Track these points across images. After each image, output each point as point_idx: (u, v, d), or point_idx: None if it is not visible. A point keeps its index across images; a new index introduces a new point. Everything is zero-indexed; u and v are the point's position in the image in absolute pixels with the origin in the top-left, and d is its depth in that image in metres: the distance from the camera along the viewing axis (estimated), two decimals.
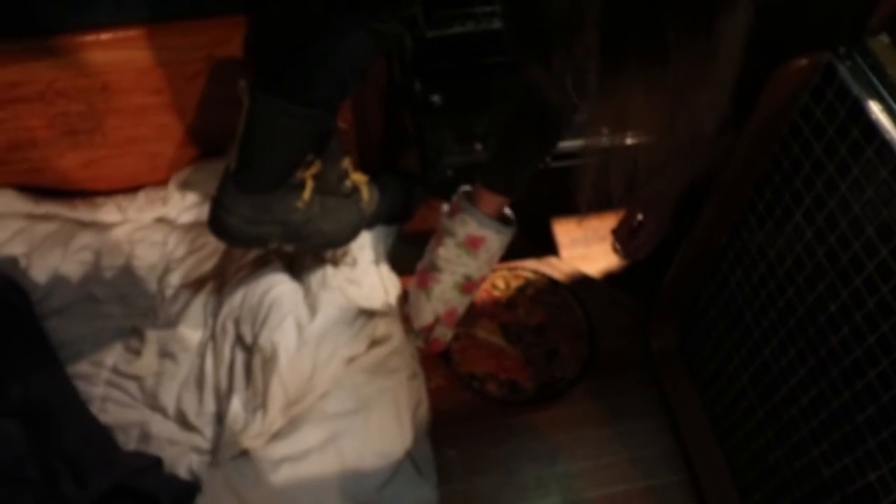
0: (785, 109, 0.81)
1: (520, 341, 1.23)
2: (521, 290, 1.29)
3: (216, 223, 1.05)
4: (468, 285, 1.13)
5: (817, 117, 0.78)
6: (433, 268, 1.13)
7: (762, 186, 0.90)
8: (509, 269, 1.28)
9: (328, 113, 1.02)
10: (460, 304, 1.15)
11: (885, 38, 0.74)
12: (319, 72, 0.98)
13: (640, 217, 1.14)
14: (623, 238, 1.15)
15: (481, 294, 1.27)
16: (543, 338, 1.24)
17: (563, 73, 0.71)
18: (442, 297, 1.13)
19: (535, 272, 1.31)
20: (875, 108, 0.71)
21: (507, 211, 1.13)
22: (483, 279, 1.15)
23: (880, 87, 0.72)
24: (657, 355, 1.21)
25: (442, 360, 1.22)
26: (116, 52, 1.11)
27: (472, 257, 1.10)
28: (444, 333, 1.17)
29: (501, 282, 1.30)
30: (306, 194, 1.08)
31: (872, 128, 0.70)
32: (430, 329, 1.15)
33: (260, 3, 1.04)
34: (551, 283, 1.30)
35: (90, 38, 1.09)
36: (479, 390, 1.18)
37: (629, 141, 0.84)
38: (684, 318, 1.17)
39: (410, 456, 1.07)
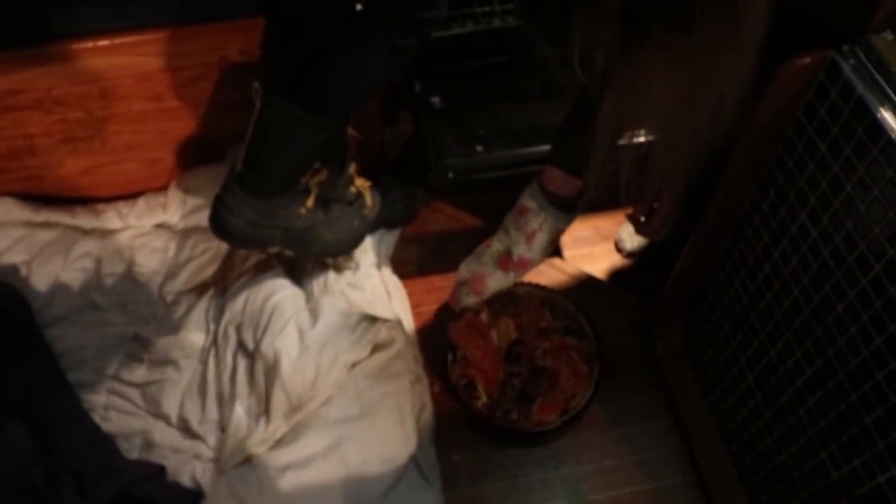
0: (789, 108, 0.80)
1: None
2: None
3: (218, 222, 1.05)
4: (505, 259, 1.12)
5: (821, 116, 0.77)
6: (495, 233, 1.14)
7: (766, 186, 0.89)
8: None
9: (340, 122, 1.02)
10: (491, 275, 1.13)
11: (889, 36, 0.73)
12: (336, 83, 0.98)
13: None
14: (641, 220, 1.10)
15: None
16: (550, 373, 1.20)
17: (573, 51, 0.69)
18: (479, 261, 1.14)
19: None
20: (880, 107, 0.70)
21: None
22: (524, 264, 1.12)
23: (885, 86, 0.71)
24: (662, 356, 1.21)
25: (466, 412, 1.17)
26: (114, 58, 1.10)
27: (520, 232, 1.09)
28: (466, 296, 1.16)
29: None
30: (310, 201, 1.08)
31: (878, 126, 0.70)
32: (458, 286, 1.16)
33: (281, 10, 1.03)
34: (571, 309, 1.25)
35: (87, 44, 1.09)
36: (504, 423, 1.15)
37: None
38: (689, 319, 1.16)
39: (415, 461, 1.06)
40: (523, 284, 1.23)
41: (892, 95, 0.70)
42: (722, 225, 0.98)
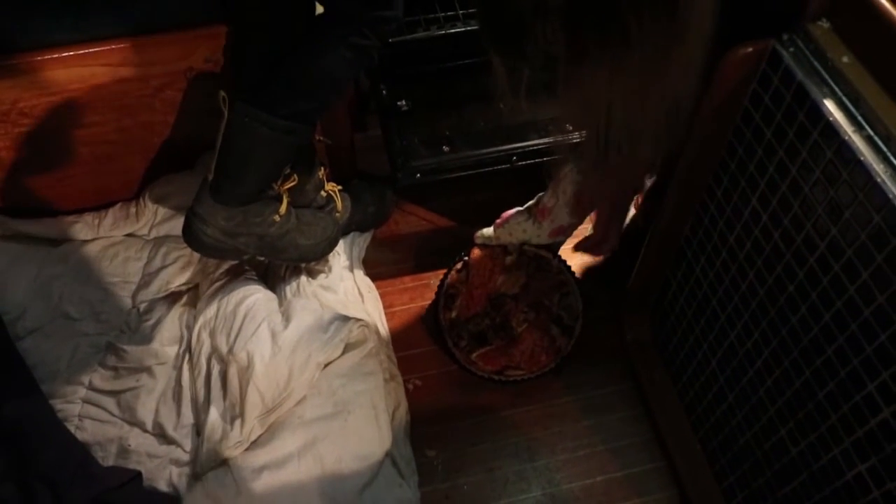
0: (735, 97, 0.83)
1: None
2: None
3: (192, 234, 1.06)
4: (534, 208, 1.19)
5: (766, 103, 0.80)
6: None
7: (719, 174, 0.92)
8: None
9: (308, 126, 1.03)
10: (517, 214, 1.21)
11: (825, 24, 0.76)
12: (301, 85, 0.99)
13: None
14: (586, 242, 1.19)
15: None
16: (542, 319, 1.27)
17: (524, 67, 0.72)
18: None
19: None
20: (818, 92, 0.73)
21: None
22: (545, 212, 1.17)
23: (822, 71, 0.74)
24: (631, 346, 1.23)
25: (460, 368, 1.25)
26: (79, 69, 1.11)
27: (550, 184, 1.15)
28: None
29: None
30: (283, 208, 1.09)
31: (817, 111, 0.72)
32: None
33: (242, 16, 1.05)
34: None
35: (53, 56, 1.10)
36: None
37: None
38: (655, 309, 1.19)
39: (391, 457, 1.07)
40: (562, 263, 1.27)
41: (830, 80, 0.73)
42: (680, 214, 1.01)
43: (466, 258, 1.27)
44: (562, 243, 1.27)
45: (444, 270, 1.28)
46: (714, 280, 0.98)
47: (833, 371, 0.76)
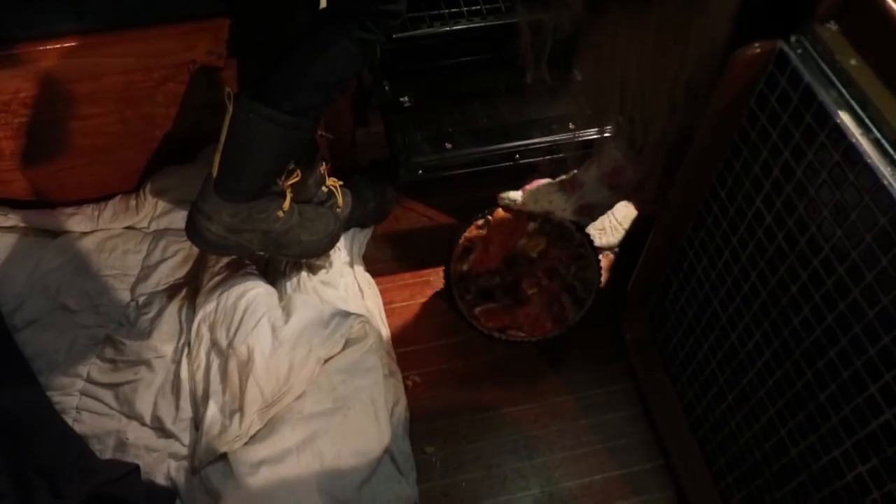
0: (741, 97, 0.83)
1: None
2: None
3: (196, 231, 1.05)
4: (565, 180, 1.17)
5: (772, 104, 0.80)
6: None
7: (723, 174, 0.92)
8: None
9: (312, 121, 1.03)
10: (547, 184, 1.19)
11: (833, 26, 0.76)
12: (304, 80, 0.99)
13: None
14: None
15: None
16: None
17: (547, 22, 0.72)
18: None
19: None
20: (826, 94, 0.73)
21: None
22: (575, 186, 1.14)
23: (830, 73, 0.74)
24: (631, 346, 1.23)
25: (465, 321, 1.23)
26: (82, 60, 1.11)
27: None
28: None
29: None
30: (286, 203, 1.09)
31: (824, 113, 0.72)
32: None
33: (245, 11, 1.04)
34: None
35: (54, 46, 1.09)
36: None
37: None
38: (655, 309, 1.19)
39: (389, 453, 1.07)
40: (585, 237, 1.24)
41: (837, 82, 0.73)
42: (683, 214, 1.01)
43: (489, 215, 1.25)
44: (586, 225, 1.24)
45: (443, 266, 1.28)
46: (716, 280, 0.98)
47: (835, 373, 0.76)
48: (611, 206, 1.20)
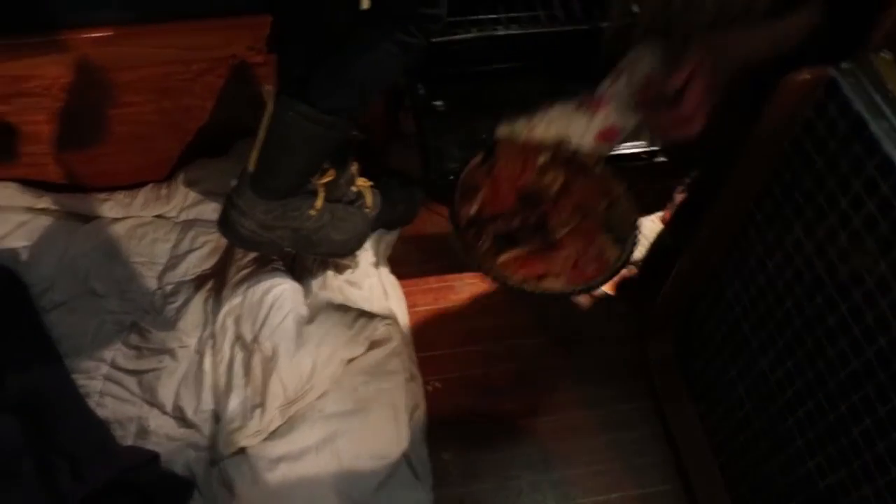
0: (787, 123, 0.82)
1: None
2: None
3: (229, 225, 1.06)
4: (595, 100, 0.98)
5: (819, 132, 0.79)
6: None
7: (762, 199, 0.91)
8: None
9: (350, 121, 1.03)
10: (559, 104, 1.00)
11: (887, 55, 0.75)
12: (345, 81, 0.99)
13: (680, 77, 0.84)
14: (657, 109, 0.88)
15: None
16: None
17: None
18: None
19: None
20: (876, 125, 0.72)
21: None
22: (601, 102, 0.94)
23: (882, 104, 0.73)
24: (653, 364, 1.22)
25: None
26: (123, 49, 1.12)
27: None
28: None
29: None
30: (319, 202, 1.09)
31: (874, 143, 0.71)
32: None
33: (288, 9, 1.05)
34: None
35: (98, 34, 1.10)
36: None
37: None
38: (681, 328, 1.18)
39: (407, 458, 1.07)
40: (608, 168, 1.05)
41: (889, 113, 0.72)
42: (717, 237, 1.00)
43: (492, 151, 1.05)
44: (605, 154, 1.02)
45: (472, 272, 1.26)
46: (748, 305, 0.97)
47: (870, 408, 0.75)
48: (630, 131, 0.97)
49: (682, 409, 1.17)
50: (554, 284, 1.00)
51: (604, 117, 0.95)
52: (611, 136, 0.97)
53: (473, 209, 1.05)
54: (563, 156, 1.03)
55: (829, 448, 0.82)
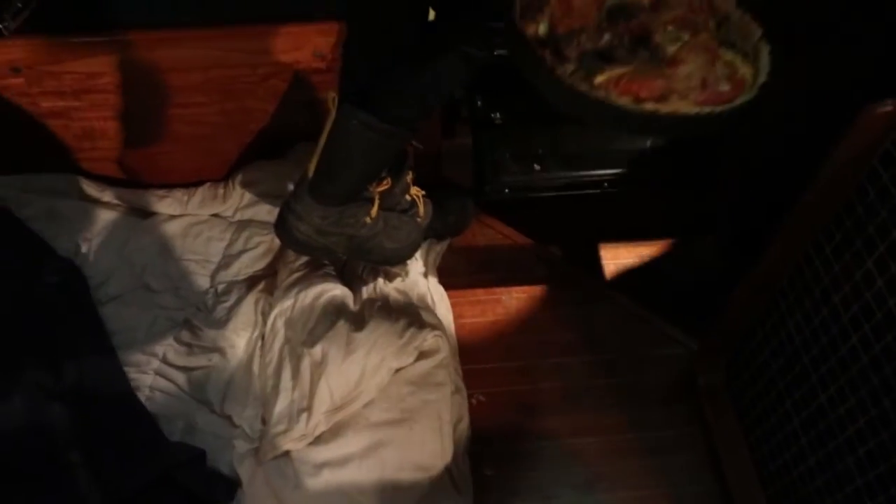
0: (864, 154, 0.80)
1: None
2: None
3: (285, 229, 1.07)
4: None
5: None
6: None
7: (831, 230, 0.88)
8: None
9: (410, 131, 1.03)
10: None
11: None
12: (409, 91, 1.00)
13: None
14: None
15: None
16: None
17: None
18: None
19: None
20: None
21: None
22: None
23: None
24: (703, 390, 1.20)
25: None
26: (192, 51, 1.14)
27: None
28: None
29: None
30: (374, 210, 1.10)
31: None
32: None
33: (356, 19, 1.06)
34: None
35: (168, 35, 1.13)
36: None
37: None
38: (734, 356, 1.16)
39: (449, 471, 1.07)
40: None
41: None
42: (781, 265, 0.98)
43: None
44: None
45: (520, 287, 1.25)
46: (809, 337, 0.94)
47: None
48: None
49: (731, 438, 1.14)
50: (683, 106, 0.77)
51: None
52: None
53: (541, 28, 0.83)
54: None
55: (891, 490, 0.80)
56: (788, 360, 0.99)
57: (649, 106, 0.75)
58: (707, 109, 0.76)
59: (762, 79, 0.80)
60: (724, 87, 0.79)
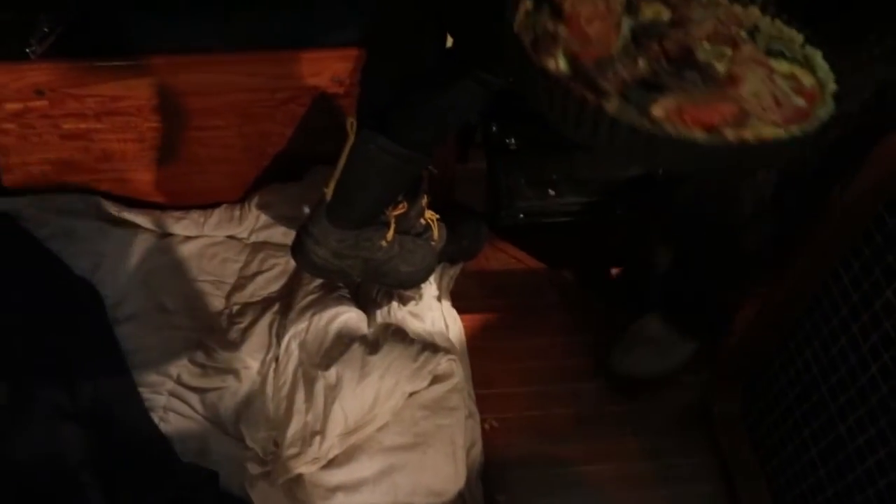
0: (883, 184, 0.80)
1: None
2: None
3: (302, 252, 1.08)
4: None
5: None
6: None
7: (849, 259, 0.88)
8: None
9: (427, 156, 1.04)
10: None
11: None
12: (425, 116, 1.01)
13: None
14: None
15: None
16: None
17: None
18: None
19: None
20: None
21: None
22: None
23: None
24: (718, 418, 1.19)
25: None
26: (214, 75, 1.16)
27: None
28: None
29: None
30: (390, 234, 1.11)
31: None
32: None
33: (375, 45, 1.07)
34: None
35: (190, 60, 1.15)
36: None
37: None
38: (750, 384, 1.15)
39: (462, 497, 1.06)
40: None
41: None
42: (798, 294, 0.98)
43: None
44: None
45: (534, 312, 1.25)
46: (827, 367, 0.94)
47: None
48: None
49: (748, 469, 1.13)
50: (770, 130, 0.67)
51: None
52: None
53: (561, 64, 0.72)
54: None
55: None
56: (806, 389, 0.99)
57: (730, 134, 0.65)
58: (795, 129, 0.66)
59: (831, 87, 0.72)
60: (799, 102, 0.70)
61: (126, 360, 1.16)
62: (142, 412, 1.10)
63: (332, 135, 1.05)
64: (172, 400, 1.15)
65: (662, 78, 0.70)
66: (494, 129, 1.38)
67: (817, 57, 0.74)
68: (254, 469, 1.07)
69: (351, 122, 1.02)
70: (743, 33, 0.77)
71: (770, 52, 0.76)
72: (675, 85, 0.69)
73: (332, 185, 1.04)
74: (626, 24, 0.76)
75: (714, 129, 0.65)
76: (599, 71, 0.71)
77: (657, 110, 0.66)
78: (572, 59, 0.72)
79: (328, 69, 1.17)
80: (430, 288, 1.30)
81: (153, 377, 1.16)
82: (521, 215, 1.27)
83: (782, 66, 0.74)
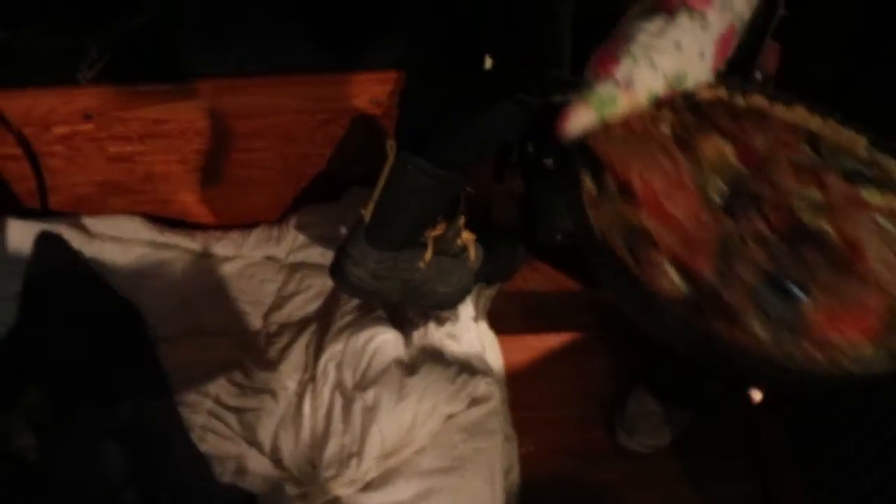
0: None
1: None
2: None
3: (341, 273, 1.08)
4: None
5: None
6: None
7: None
8: None
9: (466, 177, 1.04)
10: (638, 30, 0.73)
11: None
12: (465, 138, 1.01)
13: None
14: None
15: None
16: None
17: None
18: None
19: None
20: None
21: None
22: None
23: None
24: (766, 446, 1.15)
25: None
26: (257, 98, 1.18)
27: None
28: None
29: None
30: (428, 255, 1.11)
31: None
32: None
33: (415, 67, 1.08)
34: None
35: (232, 83, 1.16)
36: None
37: None
38: (799, 410, 1.11)
39: None
40: (765, 90, 0.71)
41: None
42: None
43: (600, 165, 0.65)
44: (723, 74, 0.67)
45: (571, 333, 1.23)
46: (880, 393, 0.90)
47: None
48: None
49: (795, 497, 1.10)
50: None
51: (721, 6, 0.64)
52: (729, 39, 0.66)
53: (677, 281, 0.61)
54: (684, 111, 0.68)
55: None
56: (859, 416, 0.95)
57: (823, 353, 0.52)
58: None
59: None
60: None
61: (167, 379, 1.17)
62: (181, 432, 1.11)
63: (370, 156, 1.06)
64: (211, 420, 1.15)
65: (790, 271, 0.58)
66: (531, 148, 1.38)
67: (892, 165, 0.64)
68: (290, 490, 1.07)
69: (390, 144, 1.02)
70: (805, 147, 0.68)
71: (847, 176, 0.65)
72: (809, 278, 0.57)
73: (370, 207, 1.04)
74: (712, 185, 0.65)
75: (869, 332, 0.54)
76: (727, 285, 0.58)
77: (813, 330, 0.54)
78: (684, 275, 0.59)
79: (367, 91, 1.18)
80: (466, 309, 1.29)
81: (192, 396, 1.17)
82: (559, 236, 1.26)
83: (874, 197, 0.63)
